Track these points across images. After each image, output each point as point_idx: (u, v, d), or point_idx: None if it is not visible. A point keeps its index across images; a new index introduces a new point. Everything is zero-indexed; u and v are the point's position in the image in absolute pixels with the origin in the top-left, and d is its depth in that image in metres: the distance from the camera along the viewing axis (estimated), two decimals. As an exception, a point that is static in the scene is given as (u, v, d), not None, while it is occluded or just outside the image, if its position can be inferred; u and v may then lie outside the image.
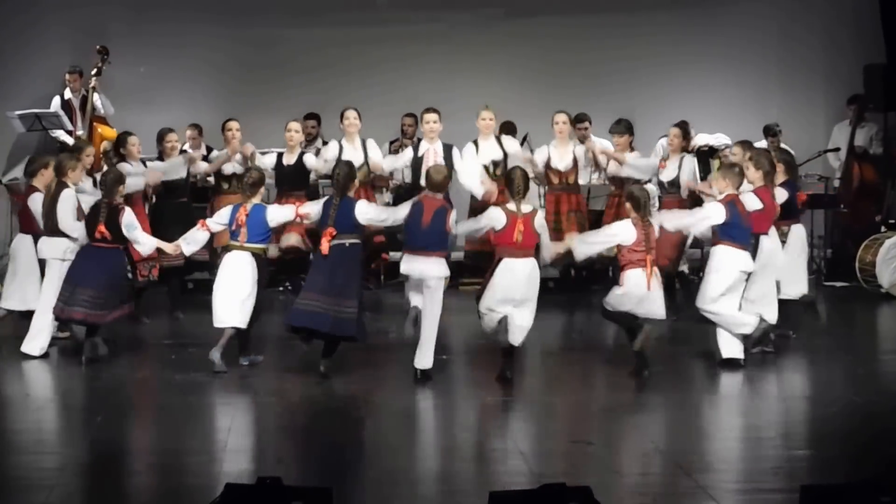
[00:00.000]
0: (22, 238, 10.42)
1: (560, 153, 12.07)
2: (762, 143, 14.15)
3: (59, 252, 10.01)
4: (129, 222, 9.82)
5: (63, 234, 10.01)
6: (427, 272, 9.28)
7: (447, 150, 11.50)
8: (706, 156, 13.33)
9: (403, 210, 9.48)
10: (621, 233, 9.44)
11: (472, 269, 11.49)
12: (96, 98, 13.10)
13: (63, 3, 14.32)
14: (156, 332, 11.23)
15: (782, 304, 10.16)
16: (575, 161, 12.10)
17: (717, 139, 13.37)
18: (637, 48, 14.71)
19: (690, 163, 12.02)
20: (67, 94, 13.41)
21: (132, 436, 8.30)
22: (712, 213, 9.67)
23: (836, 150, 14.35)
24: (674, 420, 8.65)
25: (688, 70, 14.80)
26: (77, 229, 9.99)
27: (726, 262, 9.65)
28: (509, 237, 9.18)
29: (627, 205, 9.49)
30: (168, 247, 9.97)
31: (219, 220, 9.84)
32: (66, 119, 13.16)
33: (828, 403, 8.89)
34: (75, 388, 9.53)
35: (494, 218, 9.27)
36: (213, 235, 10.08)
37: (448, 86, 14.04)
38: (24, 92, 13.81)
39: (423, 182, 10.25)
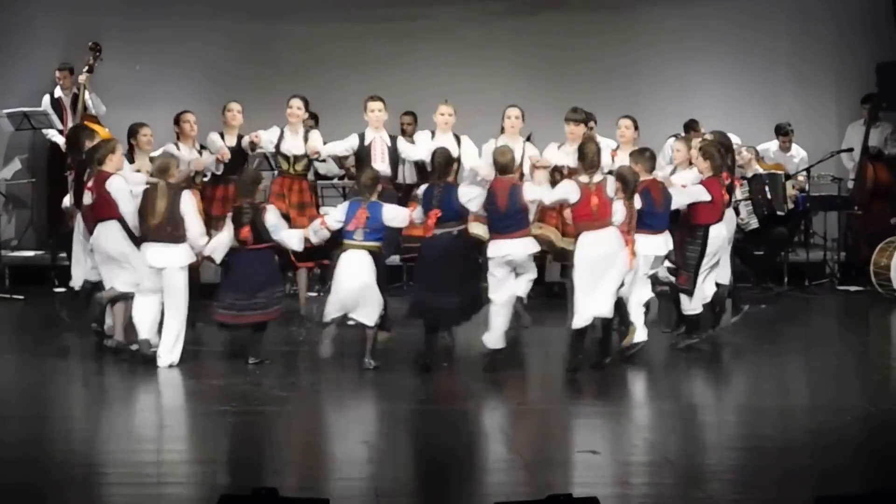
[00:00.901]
0: (107, 226, 9.76)
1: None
2: (773, 143, 14.05)
3: (185, 259, 9.64)
4: (275, 223, 9.67)
5: (180, 240, 9.59)
6: (515, 252, 9.45)
7: (393, 140, 11.41)
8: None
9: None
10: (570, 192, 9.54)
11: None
12: (87, 97, 12.93)
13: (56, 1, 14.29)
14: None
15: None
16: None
17: (728, 138, 13.20)
18: (643, 45, 14.62)
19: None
20: (57, 92, 13.32)
21: (126, 444, 8.06)
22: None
23: (850, 150, 14.22)
24: (682, 429, 8.46)
25: (696, 68, 14.72)
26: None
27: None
28: (586, 210, 9.37)
29: (617, 184, 9.61)
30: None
31: (337, 217, 9.68)
32: (55, 118, 13.06)
33: (842, 412, 8.70)
34: (66, 395, 9.40)
35: (569, 191, 9.47)
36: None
37: (448, 82, 13.78)
38: (13, 90, 13.71)
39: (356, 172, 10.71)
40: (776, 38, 14.85)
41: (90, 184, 9.80)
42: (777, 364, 10.05)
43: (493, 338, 9.60)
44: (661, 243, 9.99)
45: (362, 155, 11.24)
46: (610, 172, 10.10)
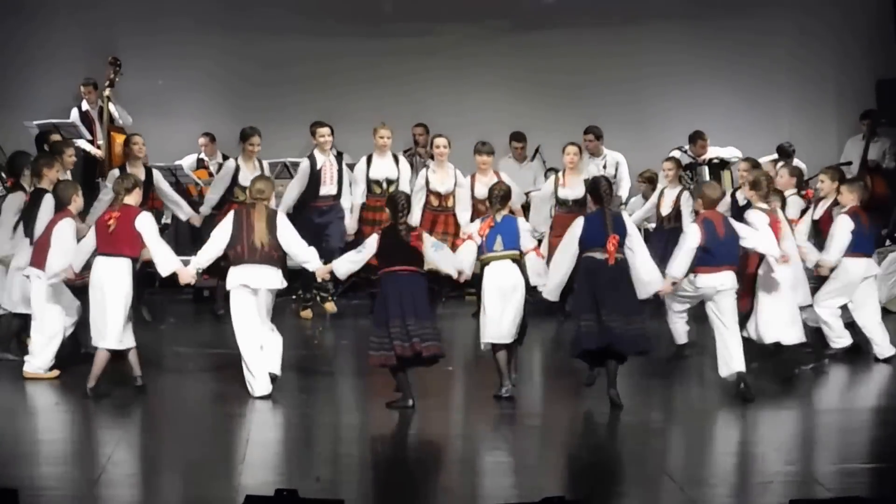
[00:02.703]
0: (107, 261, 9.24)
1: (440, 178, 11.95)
2: (770, 157, 14.20)
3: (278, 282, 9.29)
4: (435, 242, 9.23)
5: (276, 263, 9.18)
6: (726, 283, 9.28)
7: (339, 159, 11.85)
8: (717, 168, 13.40)
9: None
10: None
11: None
12: (112, 108, 13.13)
13: (76, 18, 14.33)
14: (174, 340, 11.28)
15: None
16: None
17: (728, 152, 13.42)
18: (646, 61, 14.64)
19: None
20: (84, 106, 13.41)
21: (153, 447, 8.29)
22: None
23: (848, 163, 14.24)
24: (681, 433, 8.68)
25: (698, 83, 14.73)
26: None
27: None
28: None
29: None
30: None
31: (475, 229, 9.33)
32: (83, 128, 13.18)
33: (820, 415, 8.98)
34: (91, 401, 9.24)
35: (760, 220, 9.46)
36: None
37: (456, 97, 14.08)
38: (40, 105, 13.78)
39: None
40: (778, 54, 14.90)
41: (110, 213, 9.30)
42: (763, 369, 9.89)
43: None
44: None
45: (315, 180, 11.60)
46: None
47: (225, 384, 9.49)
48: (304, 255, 9.38)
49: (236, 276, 9.15)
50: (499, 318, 9.06)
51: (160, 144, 12.45)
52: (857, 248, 10.32)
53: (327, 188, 11.65)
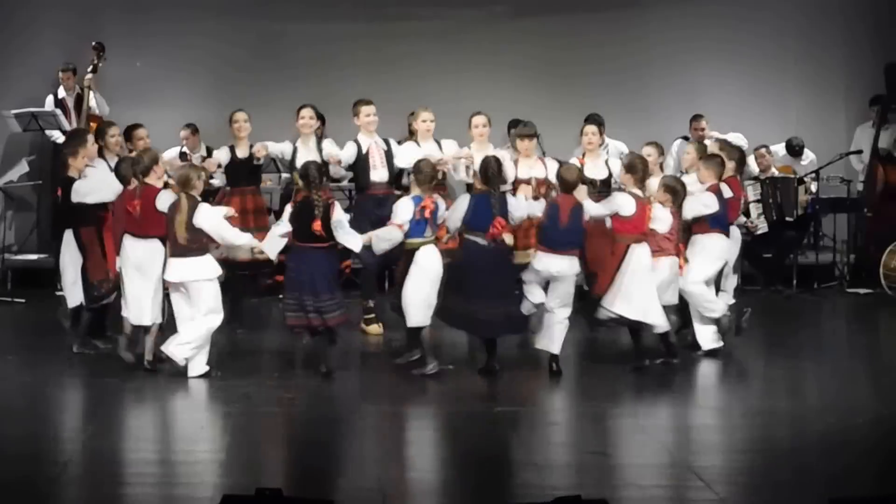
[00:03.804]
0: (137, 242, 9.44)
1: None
2: (780, 145, 13.98)
3: (209, 272, 9.32)
4: (340, 219, 9.34)
5: (199, 253, 9.26)
6: (563, 270, 9.37)
7: (387, 144, 11.18)
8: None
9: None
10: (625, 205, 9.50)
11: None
12: (91, 97, 12.87)
13: (60, 1, 14.22)
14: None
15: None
16: None
17: (731, 138, 13.07)
18: (651, 46, 14.55)
19: None
20: (61, 92, 13.30)
21: (127, 445, 8.05)
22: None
23: (859, 152, 14.18)
24: (692, 430, 8.44)
25: (703, 69, 14.65)
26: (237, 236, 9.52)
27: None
28: (640, 224, 9.40)
29: (665, 193, 9.66)
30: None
31: (404, 217, 9.44)
32: (63, 118, 13.00)
33: (854, 414, 8.60)
34: (68, 395, 9.37)
35: (622, 204, 9.45)
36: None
37: (455, 84, 13.90)
38: (15, 90, 13.65)
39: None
40: (785, 39, 14.78)
41: (134, 198, 9.39)
42: (788, 367, 9.97)
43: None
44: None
45: (360, 162, 11.01)
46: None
47: (205, 383, 9.32)
48: (233, 238, 9.41)
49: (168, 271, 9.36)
50: (425, 301, 9.38)
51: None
52: (716, 224, 10.00)
53: (378, 173, 10.90)
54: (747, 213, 12.25)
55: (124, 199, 9.49)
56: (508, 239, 9.60)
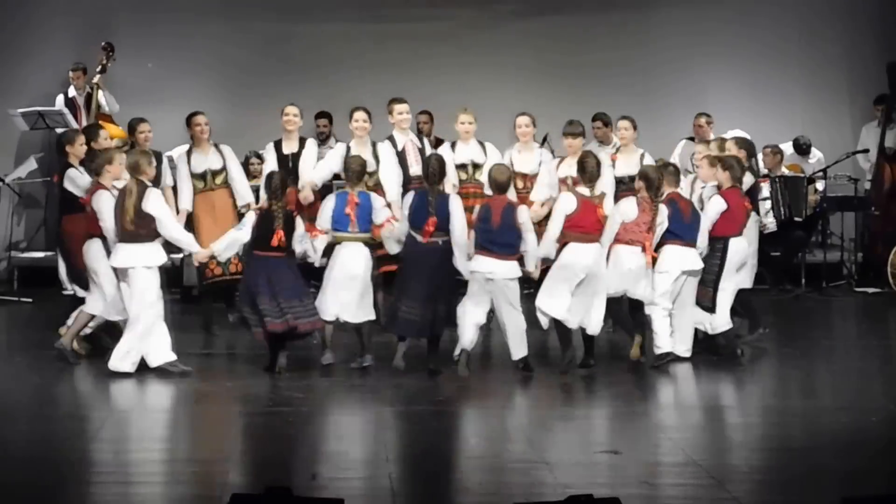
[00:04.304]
0: (92, 242, 9.61)
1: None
2: (787, 144, 13.96)
3: (147, 260, 9.36)
4: (303, 232, 9.41)
5: (147, 240, 9.34)
6: (498, 273, 9.23)
7: (421, 139, 11.32)
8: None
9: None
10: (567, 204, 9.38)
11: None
12: (101, 96, 12.91)
13: (67, 0, 14.21)
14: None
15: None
16: None
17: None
18: (655, 47, 14.52)
19: None
20: (71, 91, 13.33)
21: (136, 444, 8.06)
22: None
23: (866, 151, 14.19)
24: (704, 429, 8.42)
25: (708, 69, 14.62)
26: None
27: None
28: (585, 221, 9.25)
29: (640, 182, 9.55)
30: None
31: (324, 217, 9.52)
32: (70, 117, 13.00)
33: (866, 412, 8.62)
34: (76, 395, 9.37)
35: (565, 204, 9.33)
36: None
37: (461, 84, 13.85)
38: (27, 90, 13.65)
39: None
40: (788, 38, 14.75)
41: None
42: (798, 366, 9.97)
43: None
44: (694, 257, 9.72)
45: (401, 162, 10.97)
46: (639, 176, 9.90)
47: (211, 383, 9.37)
48: (178, 235, 9.48)
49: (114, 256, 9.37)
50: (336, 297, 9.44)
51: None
52: (675, 236, 9.62)
53: (415, 169, 10.86)
54: (756, 211, 12.22)
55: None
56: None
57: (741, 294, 10.14)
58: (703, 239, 9.74)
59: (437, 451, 7.93)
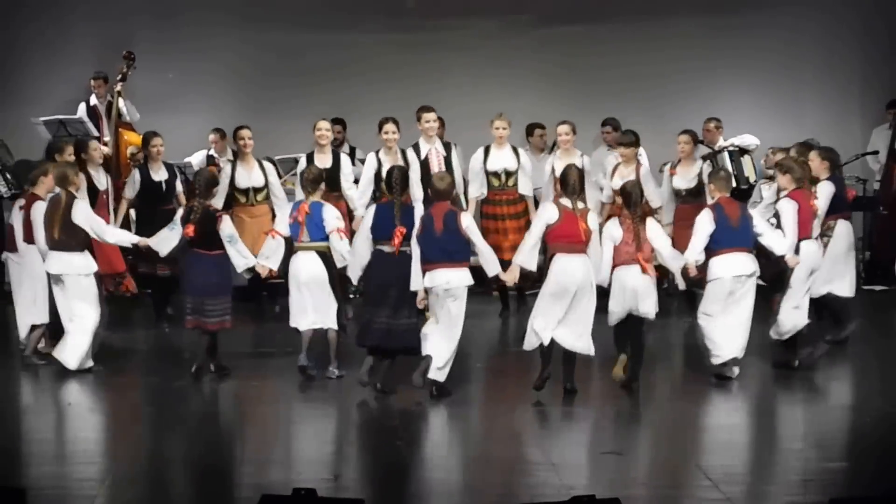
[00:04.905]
0: (28, 248, 10.06)
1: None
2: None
3: (77, 268, 9.73)
4: (231, 234, 9.57)
5: (77, 249, 9.71)
6: (453, 282, 8.98)
7: (447, 147, 11.43)
8: (737, 155, 13.16)
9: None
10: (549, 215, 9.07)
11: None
12: (122, 104, 13.04)
13: (89, 11, 14.27)
14: (184, 342, 10.98)
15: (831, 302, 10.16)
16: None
17: (743, 140, 13.16)
18: (669, 54, 14.48)
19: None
20: (93, 100, 13.36)
21: (168, 446, 8.23)
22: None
23: (875, 153, 14.22)
24: (704, 431, 8.55)
25: (721, 75, 14.60)
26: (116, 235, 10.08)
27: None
28: (569, 232, 8.90)
29: (618, 199, 9.47)
30: (260, 268, 9.69)
31: (282, 222, 9.69)
32: (90, 125, 13.08)
33: (864, 413, 8.73)
34: (111, 398, 9.47)
35: (546, 215, 9.05)
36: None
37: (476, 93, 13.91)
38: (49, 98, 13.72)
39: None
40: (800, 45, 14.73)
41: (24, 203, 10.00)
42: (801, 366, 9.83)
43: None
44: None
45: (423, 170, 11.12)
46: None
47: (239, 382, 9.46)
48: (113, 239, 9.95)
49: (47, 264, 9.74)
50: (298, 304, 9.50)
51: (168, 140, 12.19)
52: (721, 245, 9.36)
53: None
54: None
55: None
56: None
57: (833, 299, 10.20)
58: (788, 241, 9.52)
59: (444, 453, 8.08)
